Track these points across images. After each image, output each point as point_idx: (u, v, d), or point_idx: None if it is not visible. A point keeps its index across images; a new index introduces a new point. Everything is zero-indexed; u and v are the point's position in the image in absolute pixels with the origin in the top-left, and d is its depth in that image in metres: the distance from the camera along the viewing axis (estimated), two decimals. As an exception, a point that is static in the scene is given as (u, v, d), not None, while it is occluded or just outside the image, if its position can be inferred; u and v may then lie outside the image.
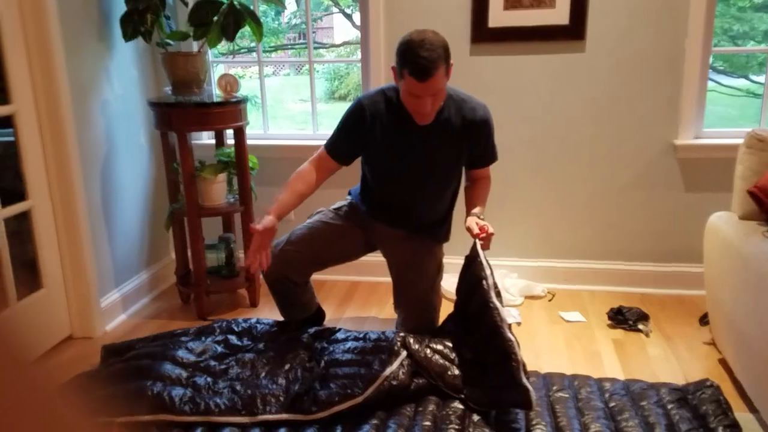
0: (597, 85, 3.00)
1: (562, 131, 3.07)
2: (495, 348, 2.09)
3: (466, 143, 2.39)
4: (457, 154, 2.41)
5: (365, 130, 2.36)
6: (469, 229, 2.29)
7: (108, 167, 2.92)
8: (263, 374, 2.29)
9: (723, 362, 2.45)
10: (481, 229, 2.26)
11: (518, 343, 2.07)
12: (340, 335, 2.53)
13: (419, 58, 2.07)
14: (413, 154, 2.38)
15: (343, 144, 2.41)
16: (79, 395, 0.47)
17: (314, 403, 2.12)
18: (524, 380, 2.01)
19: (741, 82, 8.42)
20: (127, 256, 3.08)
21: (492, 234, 2.27)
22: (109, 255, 2.94)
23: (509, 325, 2.12)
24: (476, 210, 2.39)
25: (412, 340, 2.28)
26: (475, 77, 3.04)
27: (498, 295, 2.18)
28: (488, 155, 2.48)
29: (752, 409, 2.12)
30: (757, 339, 1.93)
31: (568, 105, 3.04)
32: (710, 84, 3.01)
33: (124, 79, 3.01)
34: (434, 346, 2.28)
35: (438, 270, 2.54)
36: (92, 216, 2.80)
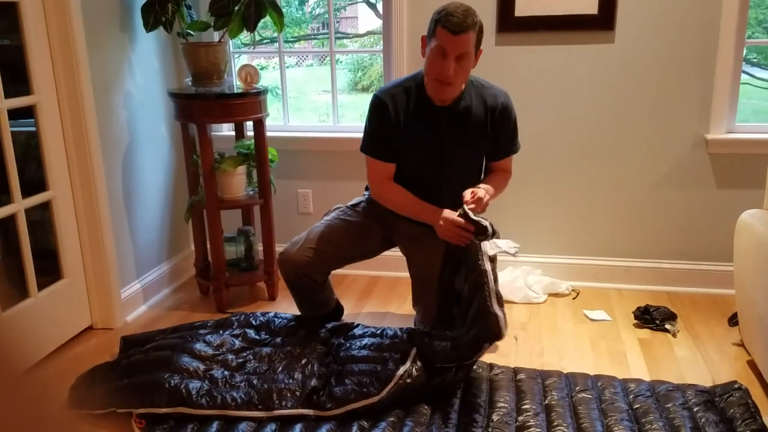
0: (626, 76, 2.91)
1: (589, 124, 3.00)
2: (471, 283, 2.08)
3: (487, 130, 2.35)
4: (479, 142, 2.37)
5: (392, 124, 2.33)
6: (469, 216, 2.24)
7: (129, 158, 2.92)
8: (280, 369, 2.28)
9: (752, 364, 2.37)
10: (471, 194, 2.22)
11: (495, 277, 2.05)
12: (357, 331, 2.51)
13: (455, 14, 2.12)
14: (435, 142, 2.34)
15: (384, 143, 2.36)
16: (63, 414, 0.45)
17: (330, 400, 2.10)
18: (495, 308, 1.98)
19: (777, 75, 8.17)
20: (148, 248, 3.08)
21: (480, 198, 2.22)
22: (130, 246, 2.94)
23: (491, 257, 2.09)
24: (487, 186, 2.35)
25: (418, 337, 2.25)
26: (500, 67, 2.98)
27: (489, 231, 2.16)
28: (508, 144, 2.43)
29: (783, 414, 2.05)
30: (789, 342, 1.86)
31: (597, 97, 2.96)
32: (744, 77, 2.92)
33: (146, 70, 3.01)
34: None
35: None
36: (113, 207, 2.80)
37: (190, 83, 2.92)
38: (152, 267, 3.12)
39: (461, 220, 2.22)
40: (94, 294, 2.80)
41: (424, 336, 2.23)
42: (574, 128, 3.01)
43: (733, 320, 2.54)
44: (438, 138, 2.34)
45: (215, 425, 2.05)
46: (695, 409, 2.05)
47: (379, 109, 2.34)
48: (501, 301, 2.03)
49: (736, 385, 2.13)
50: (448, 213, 2.26)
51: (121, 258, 2.86)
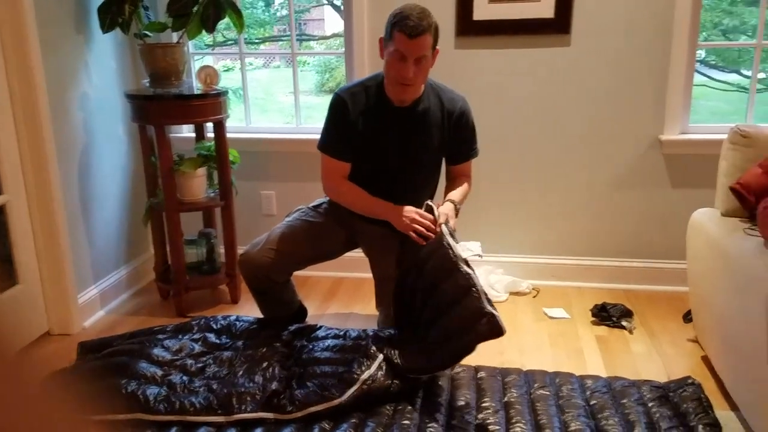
0: (582, 79, 2.96)
1: (547, 126, 3.04)
2: (451, 288, 2.06)
3: (446, 133, 2.37)
4: (438, 145, 2.39)
5: (351, 123, 2.33)
6: (434, 212, 2.26)
7: (86, 161, 2.87)
8: (240, 372, 2.26)
9: (706, 359, 2.43)
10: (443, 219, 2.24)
11: (476, 275, 2.06)
12: (320, 333, 2.50)
13: (411, 17, 2.14)
14: (393, 143, 2.36)
15: (342, 142, 2.37)
16: (56, 392, 0.45)
17: (291, 403, 2.09)
18: (489, 307, 1.98)
19: (733, 77, 8.40)
20: (106, 252, 3.03)
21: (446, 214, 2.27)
22: (87, 250, 2.89)
23: (465, 260, 2.10)
24: (455, 197, 2.38)
25: (386, 344, 2.24)
26: (460, 71, 3.00)
27: (452, 236, 2.16)
28: (467, 149, 2.46)
29: (733, 407, 2.11)
30: (738, 336, 1.91)
31: (554, 100, 3.01)
32: (702, 79, 2.99)
33: (103, 71, 2.96)
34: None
35: None
36: (69, 210, 2.75)
37: (147, 84, 2.88)
38: (110, 271, 3.07)
39: (426, 213, 2.24)
40: (50, 299, 2.74)
41: (394, 348, 2.22)
42: (531, 130, 3.05)
43: (688, 317, 2.60)
44: (396, 138, 2.35)
45: (173, 431, 2.02)
46: (650, 405, 2.09)
47: (338, 108, 2.34)
48: (491, 301, 2.03)
49: (689, 381, 2.18)
50: (411, 207, 2.28)
51: (77, 262, 2.81)
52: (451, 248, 2.12)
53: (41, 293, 2.72)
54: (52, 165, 2.61)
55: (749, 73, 2.94)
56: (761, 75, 6.25)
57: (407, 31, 2.14)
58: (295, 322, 2.61)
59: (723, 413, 2.05)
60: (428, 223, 2.24)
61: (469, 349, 2.06)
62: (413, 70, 2.18)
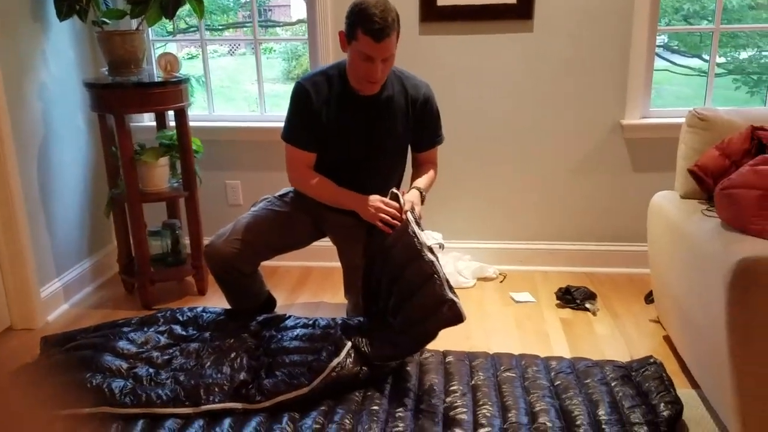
0: (545, 65, 2.99)
1: (510, 113, 3.06)
2: (415, 275, 2.08)
3: (410, 120, 2.37)
4: (403, 131, 2.39)
5: (314, 112, 2.31)
6: (399, 200, 2.27)
7: (45, 151, 2.80)
8: (208, 364, 2.24)
9: (668, 339, 2.48)
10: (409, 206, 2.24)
11: (439, 263, 2.07)
12: (289, 322, 2.49)
13: (376, 17, 2.08)
14: (357, 132, 2.34)
15: (305, 132, 2.34)
16: (22, 387, 0.44)
17: (259, 392, 2.08)
18: (450, 294, 2.00)
19: (695, 62, 8.54)
20: (68, 244, 2.98)
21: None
22: (48, 243, 2.83)
23: (429, 247, 2.11)
24: (420, 184, 2.38)
25: (355, 333, 2.24)
26: (423, 57, 3.00)
27: (417, 223, 2.18)
28: (432, 135, 2.46)
29: (694, 385, 2.16)
30: (696, 316, 1.95)
31: (517, 85, 3.02)
32: (664, 64, 3.03)
33: (61, 60, 2.89)
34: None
35: None
36: (29, 203, 2.69)
37: (107, 73, 2.82)
38: (73, 264, 3.01)
39: (391, 201, 2.24)
40: (12, 293, 2.69)
41: (362, 336, 2.23)
42: (495, 115, 3.07)
43: (649, 298, 2.66)
44: (360, 127, 2.34)
45: (140, 424, 2.00)
46: (613, 384, 2.13)
47: (300, 97, 2.32)
48: (452, 288, 2.04)
49: (651, 360, 2.23)
50: (376, 196, 2.28)
51: (39, 255, 2.75)
52: (416, 236, 2.12)
53: (2, 287, 2.66)
54: (10, 156, 2.55)
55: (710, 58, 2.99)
56: (720, 60, 6.37)
57: (374, 36, 2.09)
58: (263, 312, 2.60)
59: (684, 391, 2.11)
60: (393, 211, 2.24)
61: (431, 335, 2.07)
62: (381, 68, 2.16)
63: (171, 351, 2.34)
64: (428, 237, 2.19)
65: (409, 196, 2.30)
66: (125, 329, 2.47)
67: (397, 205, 2.25)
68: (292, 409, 2.05)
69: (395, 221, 2.22)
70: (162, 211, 3.17)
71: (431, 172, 2.49)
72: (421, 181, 2.42)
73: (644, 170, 3.05)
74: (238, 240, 2.39)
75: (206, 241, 2.65)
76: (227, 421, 2.01)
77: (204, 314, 2.57)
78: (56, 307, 2.86)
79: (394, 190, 2.32)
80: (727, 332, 1.68)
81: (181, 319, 2.55)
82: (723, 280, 1.68)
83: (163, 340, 2.41)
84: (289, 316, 2.54)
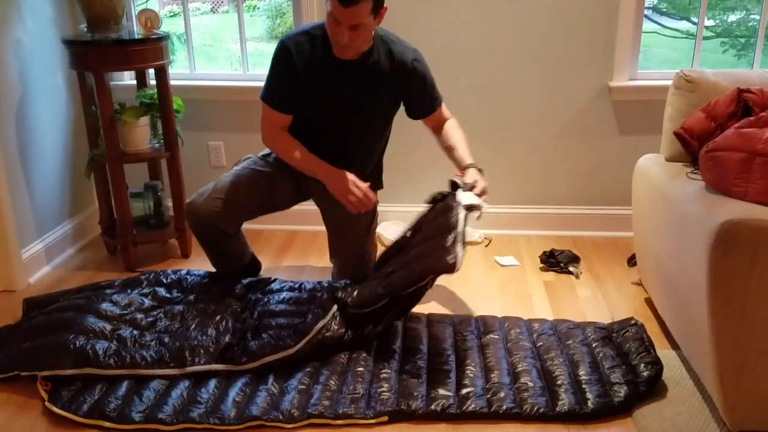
0: (531, 26, 2.94)
1: (495, 74, 3.02)
2: (434, 228, 2.10)
3: (397, 87, 2.33)
4: (389, 98, 2.34)
5: (296, 73, 2.26)
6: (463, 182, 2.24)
7: (23, 111, 2.74)
8: (193, 326, 2.24)
9: (649, 301, 2.51)
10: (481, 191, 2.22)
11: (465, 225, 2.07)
12: (275, 286, 2.49)
13: None
14: (342, 95, 2.30)
15: (284, 93, 2.30)
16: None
17: (245, 354, 2.09)
18: (458, 247, 2.01)
19: (683, 24, 8.48)
20: (49, 205, 2.93)
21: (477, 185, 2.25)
22: (28, 204, 2.79)
23: (466, 207, 2.12)
24: (467, 158, 2.33)
25: (341, 294, 2.24)
26: (406, 22, 2.94)
27: (468, 209, 2.16)
28: (428, 99, 2.42)
29: (674, 346, 2.19)
30: (678, 278, 1.97)
31: (502, 46, 2.98)
32: (653, 26, 3.00)
33: (37, 16, 2.80)
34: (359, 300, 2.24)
35: (372, 218, 2.50)
36: (8, 163, 2.63)
37: (85, 30, 2.75)
38: (54, 226, 2.97)
39: (361, 184, 2.23)
40: (-9, 256, 2.65)
41: (348, 288, 2.24)
42: (478, 78, 3.03)
43: (632, 261, 2.68)
44: (343, 92, 2.29)
45: (125, 384, 2.01)
46: (594, 345, 2.16)
47: (282, 56, 2.27)
48: (464, 243, 2.04)
49: (632, 321, 2.25)
50: (350, 175, 2.26)
51: (19, 217, 2.71)
52: (456, 224, 2.09)
53: (-19, 249, 2.63)
54: (-15, 116, 2.49)
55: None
56: (709, 22, 6.32)
57: (340, 0, 2.06)
58: (248, 275, 2.59)
59: (664, 352, 2.14)
60: (361, 194, 2.23)
61: (421, 277, 2.07)
62: (348, 35, 2.11)
63: (155, 313, 2.34)
64: (471, 197, 2.18)
65: (469, 178, 2.25)
66: (108, 291, 2.45)
67: (364, 186, 2.23)
68: (278, 370, 2.06)
69: (361, 205, 2.22)
70: (144, 172, 3.12)
71: (458, 132, 2.42)
72: (464, 151, 2.35)
73: (631, 133, 3.04)
74: (220, 199, 2.35)
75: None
76: (213, 383, 2.01)
77: (188, 277, 2.56)
78: (38, 269, 2.83)
79: (454, 178, 2.27)
80: (707, 294, 1.70)
81: (165, 281, 2.53)
82: (705, 242, 1.69)
83: (147, 302, 2.40)
84: (275, 280, 2.54)
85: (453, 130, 2.43)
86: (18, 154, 2.72)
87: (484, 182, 2.26)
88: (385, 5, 2.16)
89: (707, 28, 6.17)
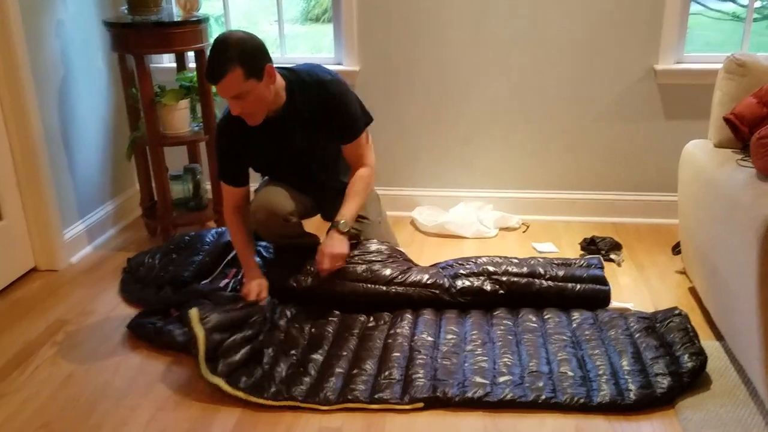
0: (577, 8, 2.87)
1: (538, 56, 2.96)
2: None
3: (322, 123, 2.28)
4: (325, 133, 2.31)
5: (238, 146, 2.29)
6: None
7: (65, 92, 2.78)
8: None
9: (693, 291, 2.45)
10: (330, 263, 2.23)
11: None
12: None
13: (208, 60, 2.04)
14: (284, 146, 2.31)
15: (231, 168, 2.33)
16: None
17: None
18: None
19: (728, 6, 8.21)
20: (90, 187, 2.98)
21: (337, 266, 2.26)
22: (71, 185, 2.84)
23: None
24: (344, 216, 2.27)
25: None
26: (451, 1, 2.90)
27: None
28: (348, 128, 2.32)
29: (718, 336, 2.14)
30: (724, 267, 1.91)
31: (546, 28, 2.91)
32: (697, 8, 2.90)
33: (78, -3, 2.84)
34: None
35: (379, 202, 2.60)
36: (50, 144, 2.68)
37: (126, 11, 2.76)
38: (96, 207, 3.02)
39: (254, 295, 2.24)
40: (35, 235, 2.71)
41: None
42: (522, 62, 2.97)
43: (677, 249, 2.61)
44: (282, 144, 2.30)
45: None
46: (636, 335, 2.11)
47: (220, 138, 2.32)
48: None
49: (676, 311, 2.19)
50: (255, 284, 2.27)
51: (61, 198, 2.76)
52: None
53: (26, 229, 2.69)
54: (30, 95, 2.53)
55: (745, 2, 2.84)
56: (757, 3, 6.11)
57: (207, 78, 2.06)
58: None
59: (708, 343, 2.08)
60: (253, 296, 2.23)
61: None
62: (238, 105, 2.09)
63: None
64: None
65: (322, 257, 2.24)
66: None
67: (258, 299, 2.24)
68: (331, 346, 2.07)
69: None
70: (183, 155, 3.15)
71: (360, 181, 2.34)
72: (346, 207, 2.30)
73: (676, 117, 2.95)
74: (287, 195, 2.34)
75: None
76: (266, 358, 2.05)
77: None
78: (79, 249, 2.89)
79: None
80: (757, 285, 1.64)
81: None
82: (755, 231, 1.63)
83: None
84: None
85: (356, 181, 2.35)
86: (60, 136, 2.76)
87: (340, 261, 2.27)
88: (267, 64, 2.08)
89: (756, 9, 5.95)
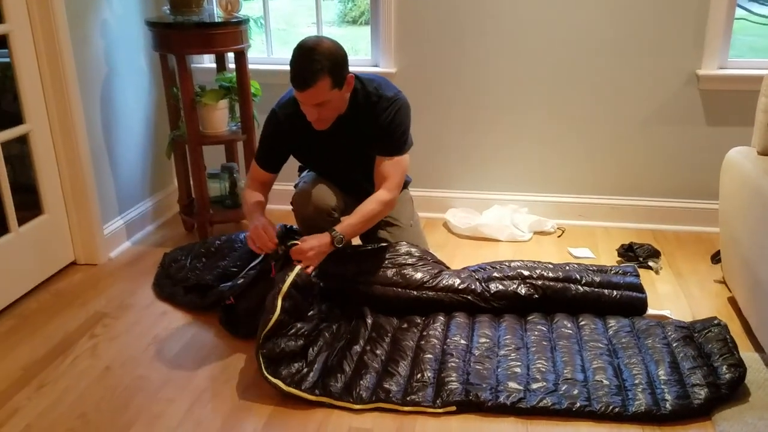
0: (620, 12, 2.83)
1: (579, 60, 2.93)
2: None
3: (377, 139, 2.29)
4: (374, 150, 2.31)
5: (286, 139, 2.32)
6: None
7: (108, 90, 2.84)
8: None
9: (732, 301, 2.40)
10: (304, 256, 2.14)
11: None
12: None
13: (296, 65, 2.05)
14: (332, 154, 2.34)
15: (269, 155, 2.35)
16: None
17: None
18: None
19: (773, 11, 8.00)
20: (130, 183, 3.04)
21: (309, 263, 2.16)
22: (111, 181, 2.90)
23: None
24: (344, 229, 2.21)
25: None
26: (491, 5, 2.88)
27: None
28: (387, 143, 2.28)
29: (758, 348, 2.09)
30: (767, 277, 1.87)
31: (588, 32, 2.88)
32: (741, 12, 2.84)
33: (123, -2, 2.90)
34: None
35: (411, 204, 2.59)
36: (92, 140, 2.74)
37: (168, 12, 2.81)
38: (135, 203, 3.08)
39: (263, 235, 2.15)
40: (76, 230, 2.77)
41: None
42: (562, 64, 2.95)
43: (716, 257, 2.56)
44: (331, 151, 2.33)
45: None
46: (674, 345, 2.07)
47: (271, 124, 2.33)
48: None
49: (715, 321, 2.15)
50: (257, 227, 2.18)
51: (102, 193, 2.82)
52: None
53: (67, 223, 2.75)
54: (74, 93, 2.59)
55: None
56: (805, 8, 5.94)
57: (295, 84, 2.06)
58: None
59: (748, 354, 2.04)
60: (262, 241, 2.15)
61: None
62: (316, 112, 2.11)
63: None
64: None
65: (307, 245, 2.14)
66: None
67: (265, 237, 2.15)
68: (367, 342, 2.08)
69: (264, 249, 2.17)
70: (221, 153, 3.19)
71: (373, 205, 2.25)
72: (348, 219, 2.25)
73: (718, 124, 2.89)
74: (328, 188, 2.36)
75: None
76: (311, 353, 2.07)
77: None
78: (118, 244, 2.95)
79: (294, 241, 2.17)
80: (803, 297, 1.60)
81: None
82: (803, 242, 1.59)
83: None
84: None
85: (371, 202, 2.28)
86: (102, 133, 2.82)
87: (315, 262, 2.16)
88: (349, 74, 2.11)
89: (804, 14, 5.79)
